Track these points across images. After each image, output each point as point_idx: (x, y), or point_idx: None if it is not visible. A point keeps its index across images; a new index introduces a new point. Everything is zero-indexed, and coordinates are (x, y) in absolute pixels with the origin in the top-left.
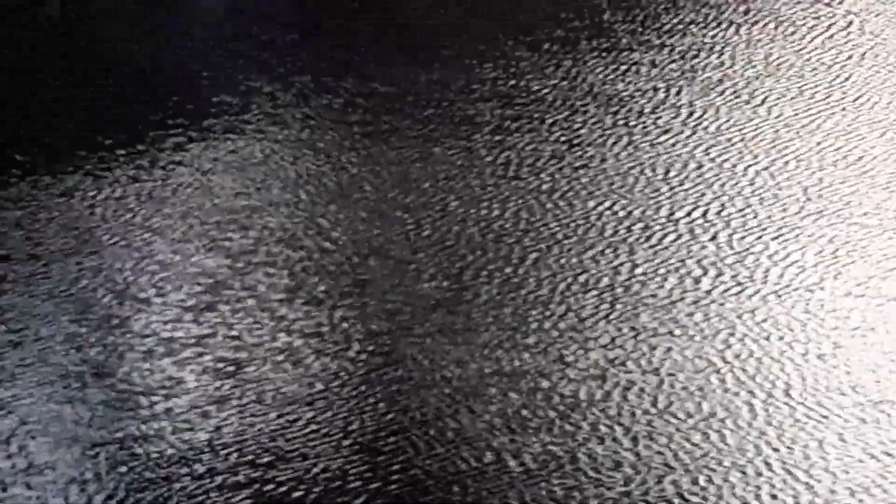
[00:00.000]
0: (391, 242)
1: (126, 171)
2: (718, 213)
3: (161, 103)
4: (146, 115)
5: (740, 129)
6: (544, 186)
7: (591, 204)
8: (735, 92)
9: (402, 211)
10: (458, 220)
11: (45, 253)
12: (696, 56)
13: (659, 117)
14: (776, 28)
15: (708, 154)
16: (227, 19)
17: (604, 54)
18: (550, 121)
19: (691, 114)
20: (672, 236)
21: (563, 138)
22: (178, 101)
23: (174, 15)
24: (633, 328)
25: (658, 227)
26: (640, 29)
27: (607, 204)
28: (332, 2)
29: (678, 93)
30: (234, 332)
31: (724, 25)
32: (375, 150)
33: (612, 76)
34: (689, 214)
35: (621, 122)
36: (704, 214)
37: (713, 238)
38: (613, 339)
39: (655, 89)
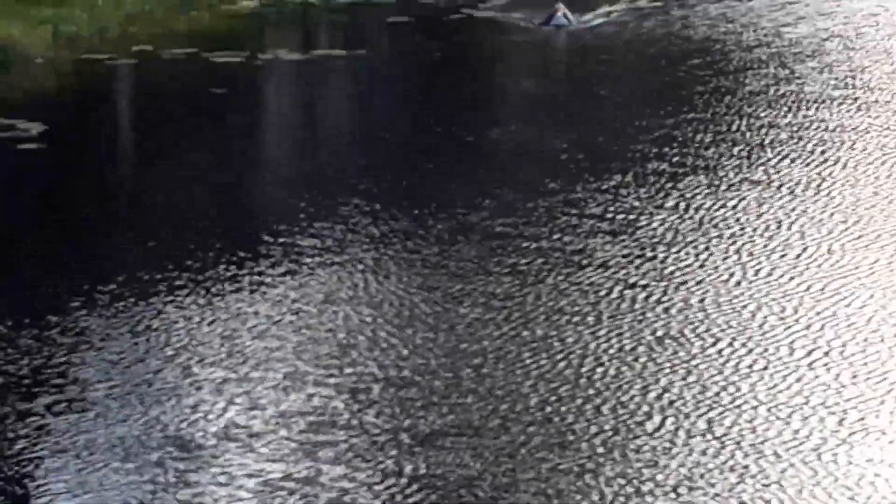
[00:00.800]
0: (499, 380)
1: (227, 304)
2: (841, 353)
3: (259, 238)
4: (245, 250)
5: (855, 267)
6: (658, 324)
7: (708, 342)
8: (846, 229)
9: (512, 347)
10: (571, 358)
11: (144, 389)
12: (802, 192)
13: (771, 254)
14: (882, 164)
15: (824, 292)
16: (323, 155)
17: (711, 190)
18: (660, 256)
19: (805, 250)
20: (793, 377)
21: (675, 274)
22: (278, 233)
23: (272, 150)
24: (757, 475)
25: (779, 367)
26: (745, 165)
27: (725, 343)
28: (431, 135)
29: (789, 229)
30: (342, 472)
31: (829, 161)
32: (483, 285)
33: (720, 212)
34: (809, 354)
35: (733, 259)
36: (827, 353)
37: (836, 378)
38: (735, 487)
39: (767, 226)
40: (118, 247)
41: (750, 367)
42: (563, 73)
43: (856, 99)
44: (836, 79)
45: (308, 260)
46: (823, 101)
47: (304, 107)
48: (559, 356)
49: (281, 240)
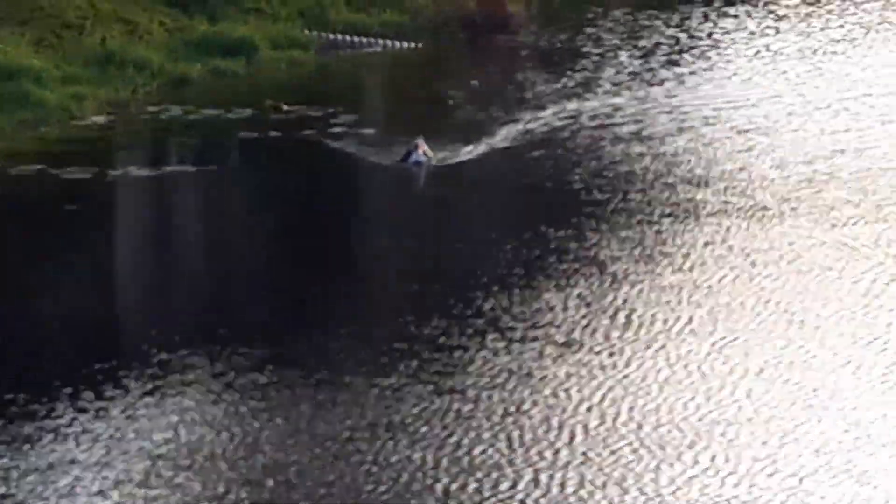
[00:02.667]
0: None
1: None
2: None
3: (114, 364)
4: (97, 378)
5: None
6: (612, 450)
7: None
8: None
9: (456, 474)
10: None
11: None
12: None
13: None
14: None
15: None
16: (176, 274)
17: (650, 303)
18: (606, 375)
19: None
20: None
21: (626, 392)
22: (134, 359)
23: (124, 269)
24: None
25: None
26: (677, 279)
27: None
28: (301, 253)
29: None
30: None
31: (747, 272)
32: (426, 407)
33: (660, 321)
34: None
35: (678, 373)
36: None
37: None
38: None
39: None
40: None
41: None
42: (432, 200)
43: (751, 208)
44: (733, 188)
45: (162, 384)
46: (723, 211)
47: (155, 223)
48: (504, 477)
49: (137, 366)
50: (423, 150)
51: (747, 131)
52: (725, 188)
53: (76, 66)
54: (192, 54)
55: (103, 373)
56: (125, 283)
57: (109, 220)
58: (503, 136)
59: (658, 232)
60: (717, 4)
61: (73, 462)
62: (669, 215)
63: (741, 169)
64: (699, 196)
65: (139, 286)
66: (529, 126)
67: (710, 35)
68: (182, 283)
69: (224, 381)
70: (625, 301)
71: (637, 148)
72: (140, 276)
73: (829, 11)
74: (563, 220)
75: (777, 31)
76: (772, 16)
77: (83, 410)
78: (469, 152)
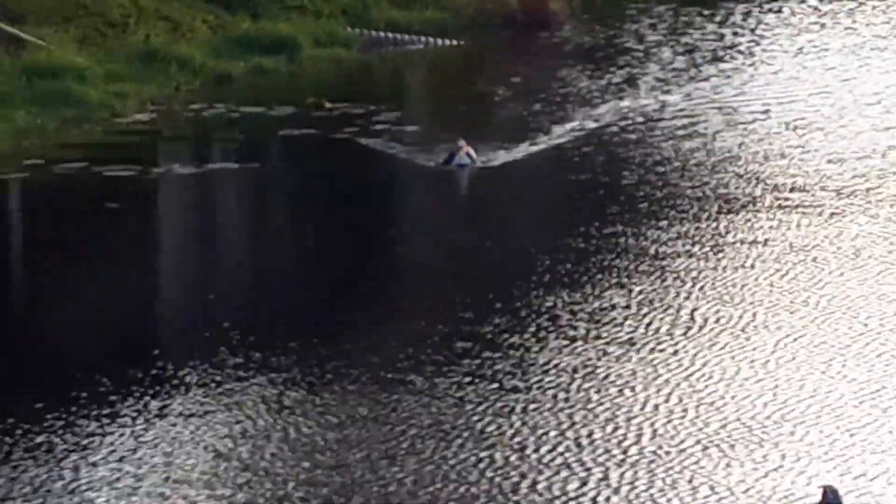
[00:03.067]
0: None
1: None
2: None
3: (156, 367)
4: (141, 379)
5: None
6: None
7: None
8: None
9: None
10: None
11: None
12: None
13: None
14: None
15: None
16: (218, 276)
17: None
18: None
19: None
20: None
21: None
22: (174, 362)
23: (166, 269)
24: None
25: None
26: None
27: None
28: (343, 257)
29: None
30: None
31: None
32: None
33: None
34: None
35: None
36: None
37: None
38: None
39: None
40: (6, 377)
41: None
42: (483, 199)
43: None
44: (789, 184)
45: (220, 383)
46: (780, 207)
47: (198, 222)
48: (574, 475)
49: (193, 364)
50: (467, 152)
51: (798, 127)
52: (781, 184)
53: (119, 64)
54: (235, 52)
55: (159, 371)
56: (172, 281)
57: (152, 217)
58: (551, 135)
59: (716, 228)
60: (759, 0)
61: (136, 461)
62: (727, 211)
63: (796, 164)
64: (755, 192)
65: (188, 284)
66: (577, 124)
67: (753, 31)
68: (232, 281)
69: (283, 379)
70: (687, 298)
71: (689, 144)
72: (188, 273)
73: (874, 7)
74: (619, 218)
75: (822, 26)
76: (816, 12)
77: (142, 410)
78: (517, 151)
